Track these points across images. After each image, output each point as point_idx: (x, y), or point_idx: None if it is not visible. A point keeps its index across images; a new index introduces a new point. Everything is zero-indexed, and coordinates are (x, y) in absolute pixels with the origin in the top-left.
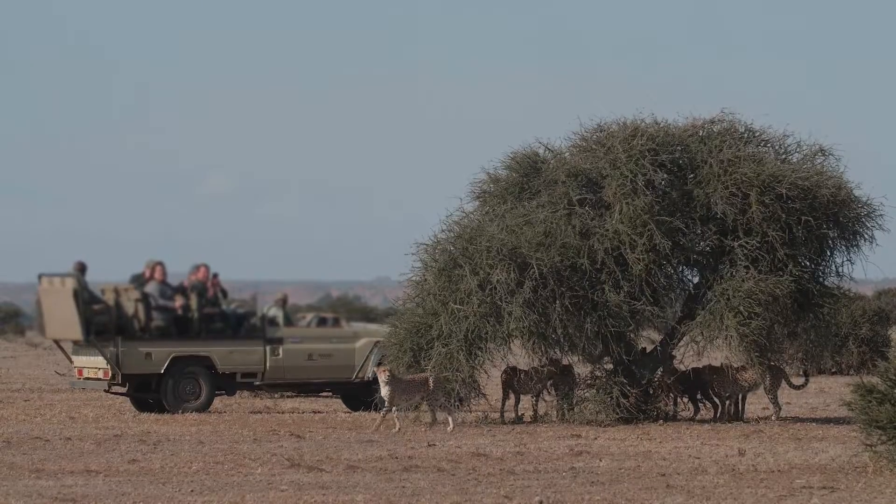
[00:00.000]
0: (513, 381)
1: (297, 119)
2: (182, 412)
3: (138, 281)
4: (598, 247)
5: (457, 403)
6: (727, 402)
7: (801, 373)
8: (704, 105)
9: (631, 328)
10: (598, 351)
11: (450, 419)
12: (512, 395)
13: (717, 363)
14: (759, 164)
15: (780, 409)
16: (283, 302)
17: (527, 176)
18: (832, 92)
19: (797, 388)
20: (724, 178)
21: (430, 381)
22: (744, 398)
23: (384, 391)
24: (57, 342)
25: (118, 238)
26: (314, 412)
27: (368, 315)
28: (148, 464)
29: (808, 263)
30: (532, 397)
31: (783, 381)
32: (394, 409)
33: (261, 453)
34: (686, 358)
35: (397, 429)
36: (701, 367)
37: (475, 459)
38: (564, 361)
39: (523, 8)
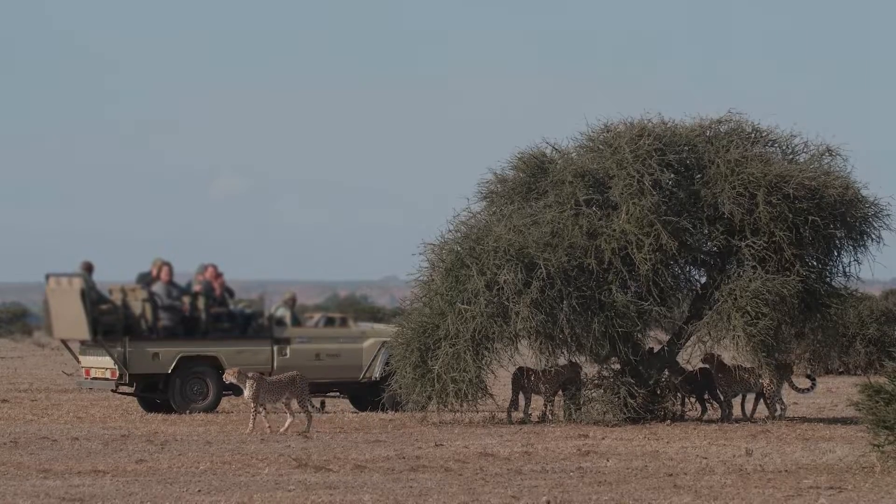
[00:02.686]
0: (521, 381)
1: (304, 120)
2: (189, 412)
3: (145, 280)
4: (605, 247)
5: (317, 407)
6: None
7: (807, 374)
8: (712, 105)
9: (638, 328)
10: (606, 351)
11: (288, 418)
12: (522, 396)
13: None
14: (767, 164)
15: (785, 408)
16: (290, 302)
17: (534, 176)
18: (838, 91)
19: (801, 391)
20: (732, 178)
21: (297, 380)
22: (755, 397)
23: (245, 392)
24: (64, 342)
25: (126, 238)
26: (322, 412)
27: (376, 315)
28: (155, 464)
29: (815, 263)
30: (544, 398)
31: (786, 383)
32: (262, 409)
33: (268, 453)
34: (693, 358)
35: (248, 428)
36: (705, 357)
37: (482, 459)
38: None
39: (530, 7)
